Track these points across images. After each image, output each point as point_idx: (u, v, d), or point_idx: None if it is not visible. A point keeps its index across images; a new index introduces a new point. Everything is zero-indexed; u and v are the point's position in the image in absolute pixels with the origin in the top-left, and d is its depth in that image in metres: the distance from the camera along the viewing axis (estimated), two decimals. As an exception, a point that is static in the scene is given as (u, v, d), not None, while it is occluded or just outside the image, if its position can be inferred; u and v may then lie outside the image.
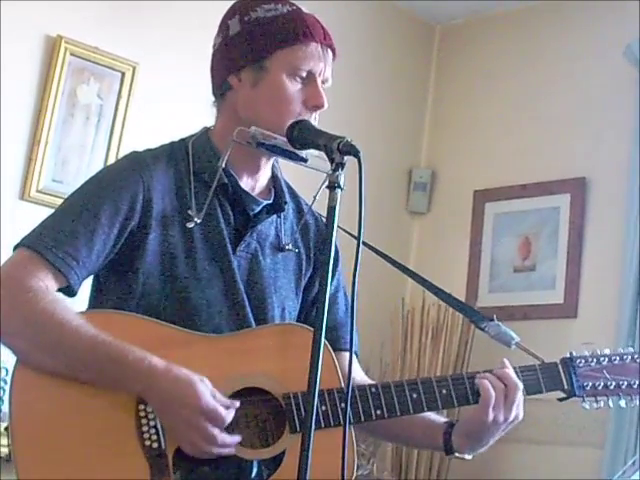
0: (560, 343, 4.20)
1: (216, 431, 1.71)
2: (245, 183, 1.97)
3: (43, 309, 1.73)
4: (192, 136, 2.00)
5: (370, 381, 2.02)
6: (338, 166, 1.67)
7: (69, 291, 1.81)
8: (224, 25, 1.96)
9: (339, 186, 1.64)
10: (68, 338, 1.72)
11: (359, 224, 1.65)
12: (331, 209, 1.63)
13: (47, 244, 1.77)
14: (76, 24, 3.82)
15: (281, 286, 1.98)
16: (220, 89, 1.97)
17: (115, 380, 1.73)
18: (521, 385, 1.93)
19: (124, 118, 3.92)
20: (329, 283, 1.61)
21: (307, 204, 2.08)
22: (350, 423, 1.81)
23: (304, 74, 1.90)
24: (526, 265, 4.50)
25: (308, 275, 2.05)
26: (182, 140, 2.00)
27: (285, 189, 2.05)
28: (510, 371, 1.94)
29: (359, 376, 2.05)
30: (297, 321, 1.98)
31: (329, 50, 1.93)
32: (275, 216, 2.01)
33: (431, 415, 1.98)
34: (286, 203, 2.02)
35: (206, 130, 2.01)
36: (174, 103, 3.99)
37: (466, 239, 4.72)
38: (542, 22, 4.74)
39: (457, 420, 1.98)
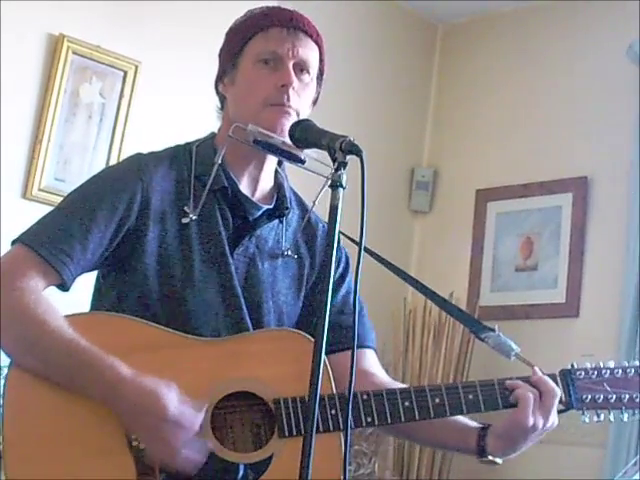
0: (562, 342, 4.21)
1: (184, 440, 1.70)
2: (245, 187, 1.97)
3: (26, 307, 1.74)
4: (198, 140, 2.02)
5: (390, 380, 2.02)
6: (340, 165, 1.66)
7: (62, 287, 1.82)
8: None
9: (341, 185, 1.63)
10: (46, 339, 1.73)
11: (361, 223, 1.64)
12: (333, 208, 1.62)
13: (42, 241, 1.79)
14: (78, 23, 3.82)
15: (279, 291, 1.98)
16: (220, 102, 2.03)
17: (83, 387, 1.73)
18: (559, 391, 1.91)
19: (126, 117, 3.92)
20: (331, 283, 1.60)
21: (313, 211, 2.07)
22: (341, 429, 1.82)
23: (268, 56, 1.93)
24: (528, 264, 4.50)
25: (312, 281, 2.04)
26: (187, 144, 2.01)
27: (290, 196, 2.05)
28: (545, 377, 1.92)
29: (380, 373, 2.05)
30: (303, 328, 1.95)
31: (300, 33, 1.94)
32: (277, 222, 2.00)
33: (463, 419, 1.96)
34: (287, 209, 2.02)
35: (213, 136, 2.02)
36: (176, 102, 3.99)
37: (468, 238, 4.72)
38: (544, 22, 4.74)
39: (490, 424, 1.95)
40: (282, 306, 1.97)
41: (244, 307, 1.91)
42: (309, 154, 1.85)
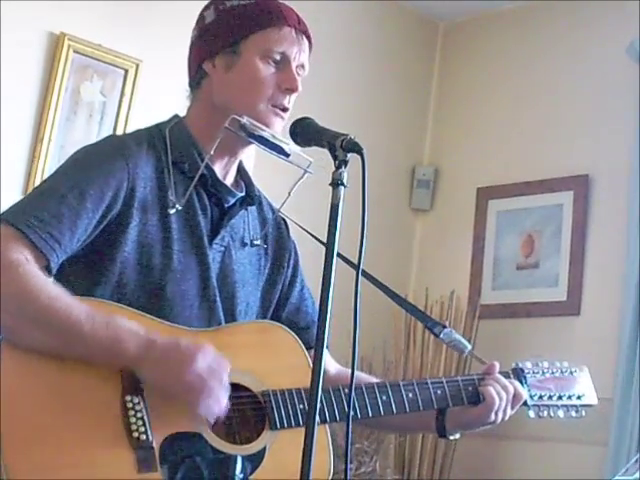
0: (563, 340, 4.20)
1: (222, 391, 1.73)
2: (218, 174, 1.97)
3: (35, 283, 1.68)
4: (166, 124, 1.99)
5: (338, 367, 2.10)
6: (341, 163, 1.66)
7: (46, 272, 1.76)
8: (200, 17, 2.00)
9: (342, 183, 1.63)
10: (63, 309, 1.68)
11: (362, 221, 1.64)
12: (334, 207, 1.62)
13: (31, 223, 1.73)
14: (79, 21, 3.82)
15: (247, 281, 1.99)
16: (195, 78, 1.99)
17: (109, 347, 1.69)
18: (525, 396, 2.09)
19: (127, 116, 3.92)
20: (331, 284, 1.59)
21: (265, 197, 2.09)
22: (327, 422, 1.87)
23: (277, 57, 1.92)
24: (529, 262, 4.50)
25: (267, 271, 2.05)
26: (157, 126, 1.99)
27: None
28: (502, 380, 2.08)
29: (333, 367, 2.10)
30: (261, 318, 2.00)
31: (304, 37, 1.95)
32: (244, 210, 2.01)
33: None
34: (257, 196, 2.03)
35: (180, 119, 2.00)
36: (177, 101, 3.97)
37: (469, 236, 4.72)
38: (545, 20, 4.74)
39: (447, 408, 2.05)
40: (249, 296, 1.99)
41: (218, 299, 1.91)
42: (292, 148, 1.87)
